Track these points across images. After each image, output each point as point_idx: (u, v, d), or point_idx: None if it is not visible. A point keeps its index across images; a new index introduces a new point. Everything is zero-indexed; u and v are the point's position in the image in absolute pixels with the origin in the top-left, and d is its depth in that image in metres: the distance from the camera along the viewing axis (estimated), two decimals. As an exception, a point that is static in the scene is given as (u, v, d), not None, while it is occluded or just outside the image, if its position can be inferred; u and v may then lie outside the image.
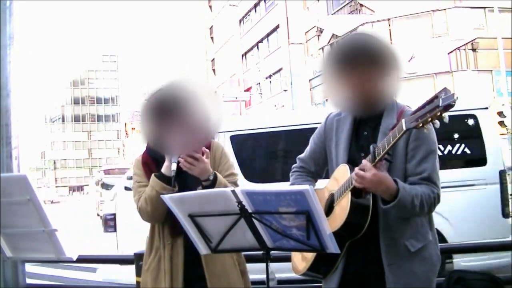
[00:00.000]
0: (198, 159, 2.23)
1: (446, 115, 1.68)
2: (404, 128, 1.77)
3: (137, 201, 2.37)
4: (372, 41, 1.98)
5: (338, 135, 2.18)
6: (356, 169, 1.90)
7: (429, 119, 1.69)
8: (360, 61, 1.95)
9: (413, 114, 1.76)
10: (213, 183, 2.27)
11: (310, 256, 2.12)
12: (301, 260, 2.21)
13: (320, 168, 2.32)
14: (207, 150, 2.30)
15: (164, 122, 2.21)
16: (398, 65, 1.97)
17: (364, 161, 1.89)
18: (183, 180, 2.34)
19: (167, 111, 2.20)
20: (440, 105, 1.65)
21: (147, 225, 2.47)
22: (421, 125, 1.72)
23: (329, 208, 2.09)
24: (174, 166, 2.23)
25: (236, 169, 2.71)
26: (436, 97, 1.68)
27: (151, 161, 2.42)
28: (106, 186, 22.87)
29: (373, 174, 1.85)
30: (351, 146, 2.13)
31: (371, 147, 1.89)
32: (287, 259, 2.34)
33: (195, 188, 2.30)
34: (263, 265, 2.02)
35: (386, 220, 2.01)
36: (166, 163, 2.31)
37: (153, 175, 2.32)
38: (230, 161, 2.49)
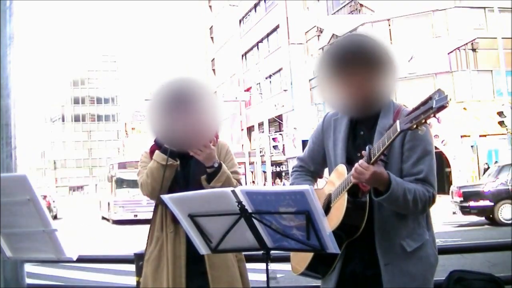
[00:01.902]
0: (205, 145, 2.31)
1: (439, 115, 1.69)
2: (399, 130, 1.77)
3: (140, 179, 2.48)
4: (368, 42, 1.97)
5: (336, 134, 2.18)
6: (357, 165, 1.88)
7: (423, 121, 1.70)
8: (356, 62, 1.94)
9: (407, 115, 1.76)
10: (217, 170, 2.33)
11: (309, 255, 2.12)
12: (300, 260, 2.21)
13: (319, 167, 2.33)
14: (215, 138, 2.36)
15: (173, 114, 2.25)
16: (395, 66, 1.96)
17: (361, 162, 1.89)
18: (187, 166, 2.40)
19: (176, 104, 2.25)
20: (434, 106, 1.65)
21: None
22: (415, 126, 1.72)
23: (326, 208, 2.09)
24: None
25: None
26: (430, 98, 1.68)
27: (159, 149, 2.49)
28: (121, 183, 19.25)
29: (372, 173, 1.85)
30: (348, 145, 2.13)
31: (366, 148, 1.89)
32: (287, 259, 2.34)
33: (198, 174, 2.35)
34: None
35: (381, 220, 2.01)
36: None
37: (156, 151, 2.44)
38: (234, 159, 2.56)
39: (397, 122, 1.79)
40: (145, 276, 2.45)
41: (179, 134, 2.26)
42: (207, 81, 2.66)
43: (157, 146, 2.50)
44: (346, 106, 2.05)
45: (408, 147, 2.01)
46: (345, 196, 1.97)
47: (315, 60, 2.27)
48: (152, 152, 2.51)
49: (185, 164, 2.44)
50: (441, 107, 1.64)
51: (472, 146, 21.55)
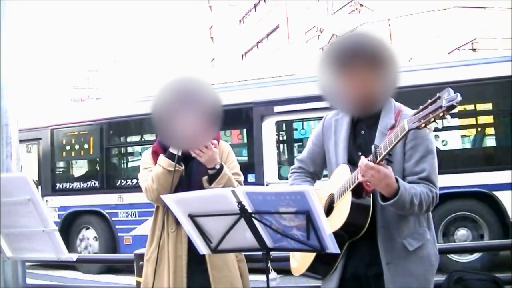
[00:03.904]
0: (207, 147, 2.30)
1: (448, 115, 1.68)
2: (407, 129, 1.76)
3: (144, 183, 2.46)
4: (370, 41, 1.97)
5: (337, 135, 2.18)
6: (365, 159, 1.87)
7: (432, 120, 1.69)
8: (358, 60, 1.93)
9: (415, 115, 1.74)
10: (218, 172, 2.32)
11: (309, 256, 2.12)
12: (300, 260, 2.20)
13: (319, 169, 2.32)
14: (216, 141, 2.35)
15: (176, 113, 2.25)
16: (396, 64, 1.96)
17: (365, 161, 1.88)
18: (189, 167, 2.40)
19: (180, 103, 2.25)
20: (444, 105, 1.64)
21: None
22: (423, 125, 1.71)
23: (329, 208, 2.09)
24: None
25: None
26: (439, 97, 1.67)
27: (161, 150, 2.49)
28: None
29: (377, 169, 1.83)
30: (349, 145, 2.13)
31: (372, 147, 1.88)
32: (287, 259, 2.34)
33: (200, 175, 2.34)
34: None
35: (384, 219, 2.00)
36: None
37: (160, 155, 2.42)
38: (235, 161, 2.55)
39: (405, 121, 1.78)
40: (146, 276, 2.45)
41: (182, 133, 2.25)
42: (206, 82, 2.62)
43: (159, 146, 2.49)
44: (348, 104, 2.04)
45: (410, 147, 2.00)
46: (349, 196, 1.96)
47: (318, 57, 2.22)
48: (154, 152, 2.50)
49: (187, 164, 2.44)
50: (451, 106, 1.63)
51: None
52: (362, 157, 1.88)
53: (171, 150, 2.40)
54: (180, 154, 2.37)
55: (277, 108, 6.73)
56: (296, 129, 7.27)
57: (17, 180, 2.06)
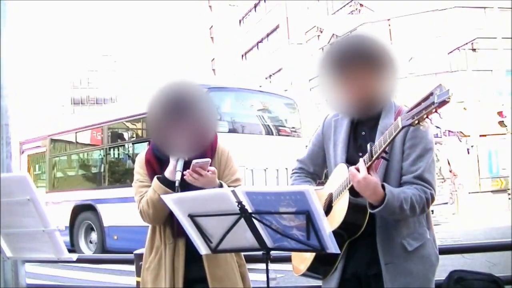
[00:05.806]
0: (203, 176, 2.19)
1: (441, 111, 1.68)
2: (400, 126, 1.77)
3: (138, 202, 2.34)
4: (369, 42, 1.96)
5: (336, 135, 2.18)
6: (352, 167, 1.90)
7: (425, 116, 1.69)
8: (357, 63, 1.93)
9: (409, 112, 1.75)
10: None
11: (310, 256, 2.12)
12: (301, 261, 2.20)
13: (319, 169, 2.32)
14: (213, 168, 2.25)
15: (171, 120, 2.18)
16: (396, 66, 1.95)
17: (360, 162, 1.89)
18: (186, 183, 2.33)
19: (175, 109, 2.18)
20: (436, 101, 1.65)
21: None
22: (417, 122, 1.72)
23: (328, 208, 2.09)
24: (178, 176, 2.18)
25: None
26: (431, 94, 1.68)
27: (155, 160, 2.38)
28: None
29: (363, 178, 1.84)
30: (349, 146, 2.13)
31: (368, 145, 1.88)
32: (287, 259, 2.34)
33: (198, 189, 2.30)
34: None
35: (382, 220, 2.00)
36: (170, 168, 2.27)
37: (155, 178, 2.29)
38: (235, 166, 2.46)
39: (399, 118, 1.78)
40: (144, 283, 2.43)
41: (176, 140, 2.20)
42: (204, 82, 2.55)
43: (153, 154, 2.40)
44: (347, 107, 2.04)
45: (408, 146, 2.00)
46: (346, 195, 1.97)
47: (316, 59, 2.21)
48: (147, 161, 2.39)
49: (182, 176, 2.28)
50: (443, 102, 1.64)
51: (472, 146, 21.54)
52: (351, 167, 1.88)
53: (167, 175, 2.27)
54: (178, 184, 2.17)
55: (25, 147, 11.54)
56: (41, 159, 11.84)
57: (17, 180, 2.06)
